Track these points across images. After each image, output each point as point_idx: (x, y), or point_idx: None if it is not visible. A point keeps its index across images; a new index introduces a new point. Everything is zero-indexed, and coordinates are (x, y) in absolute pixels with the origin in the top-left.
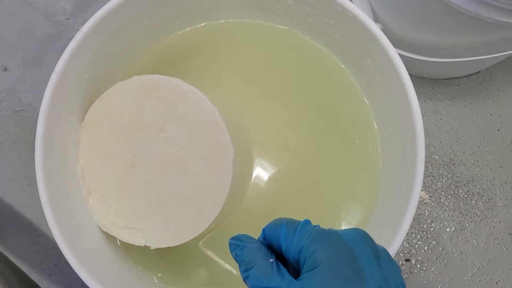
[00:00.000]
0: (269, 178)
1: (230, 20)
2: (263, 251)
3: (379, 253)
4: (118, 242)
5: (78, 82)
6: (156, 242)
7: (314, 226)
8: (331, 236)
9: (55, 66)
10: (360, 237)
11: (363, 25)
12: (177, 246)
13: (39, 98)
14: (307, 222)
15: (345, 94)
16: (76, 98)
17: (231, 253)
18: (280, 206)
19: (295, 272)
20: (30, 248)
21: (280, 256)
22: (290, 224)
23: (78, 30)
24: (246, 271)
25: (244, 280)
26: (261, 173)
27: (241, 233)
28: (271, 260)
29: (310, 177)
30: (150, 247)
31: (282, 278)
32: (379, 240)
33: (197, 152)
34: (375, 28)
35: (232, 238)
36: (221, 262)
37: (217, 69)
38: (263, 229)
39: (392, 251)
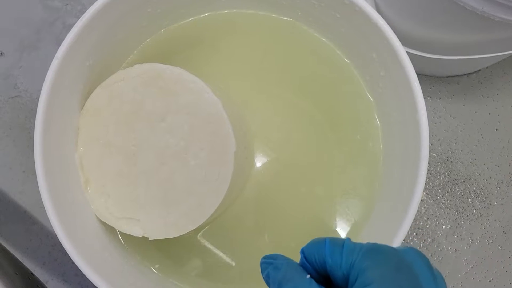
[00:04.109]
0: (269, 171)
1: (234, 11)
2: (299, 269)
3: (435, 274)
4: (118, 232)
5: (79, 68)
6: (155, 233)
7: (362, 243)
8: (388, 251)
9: (52, 52)
10: (418, 255)
11: (371, 19)
12: (175, 237)
13: (35, 84)
14: (350, 240)
15: (347, 89)
16: (77, 85)
17: (262, 273)
18: (279, 199)
19: None
20: (24, 235)
21: (323, 276)
22: (334, 241)
23: (76, 17)
24: None
25: None
26: (261, 166)
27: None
28: (308, 276)
29: (310, 171)
30: (148, 238)
31: None
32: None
33: (198, 144)
34: (383, 23)
35: (264, 257)
36: (220, 253)
37: (219, 59)
38: (302, 250)
39: None
